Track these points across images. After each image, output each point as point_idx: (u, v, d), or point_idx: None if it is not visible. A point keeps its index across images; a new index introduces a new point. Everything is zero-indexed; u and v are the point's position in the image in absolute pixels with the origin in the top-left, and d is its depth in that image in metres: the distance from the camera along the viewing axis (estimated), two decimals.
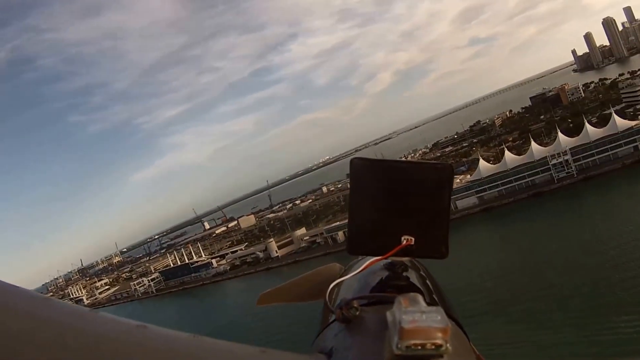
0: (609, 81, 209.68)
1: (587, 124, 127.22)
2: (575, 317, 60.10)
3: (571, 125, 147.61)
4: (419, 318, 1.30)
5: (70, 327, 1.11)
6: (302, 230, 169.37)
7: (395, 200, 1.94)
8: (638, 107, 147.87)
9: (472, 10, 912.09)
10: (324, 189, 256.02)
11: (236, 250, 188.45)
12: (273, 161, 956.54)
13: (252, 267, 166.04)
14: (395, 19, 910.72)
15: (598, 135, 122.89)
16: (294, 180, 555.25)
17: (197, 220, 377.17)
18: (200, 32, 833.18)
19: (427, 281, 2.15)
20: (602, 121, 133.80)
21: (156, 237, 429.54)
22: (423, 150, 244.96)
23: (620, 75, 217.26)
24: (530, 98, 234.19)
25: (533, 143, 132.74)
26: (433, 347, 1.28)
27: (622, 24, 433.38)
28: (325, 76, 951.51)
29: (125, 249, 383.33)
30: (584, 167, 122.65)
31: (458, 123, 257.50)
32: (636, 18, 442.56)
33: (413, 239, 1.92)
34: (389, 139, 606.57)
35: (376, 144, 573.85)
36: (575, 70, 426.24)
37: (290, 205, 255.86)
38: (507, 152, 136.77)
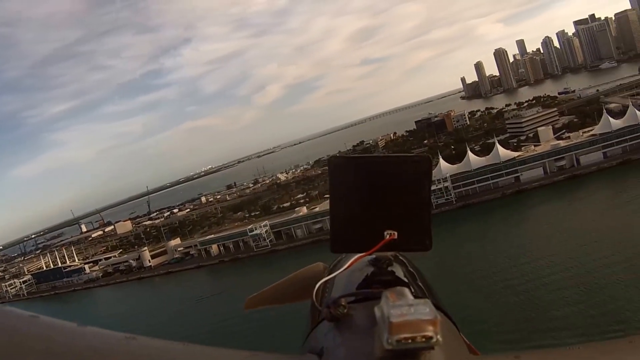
0: (495, 110, 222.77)
1: (469, 152, 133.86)
2: None
3: (454, 152, 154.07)
4: (407, 311, 1.37)
5: (59, 342, 1.18)
6: (177, 241, 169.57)
7: (375, 195, 2.02)
8: (522, 138, 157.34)
9: (367, 30, 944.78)
10: (203, 199, 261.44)
11: (110, 257, 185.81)
12: (156, 166, 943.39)
13: (125, 276, 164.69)
14: (290, 33, 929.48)
15: (480, 163, 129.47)
16: (175, 187, 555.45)
17: (75, 222, 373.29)
18: (97, 28, 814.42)
19: (413, 274, 2.27)
20: (486, 150, 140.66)
21: (33, 236, 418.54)
22: (304, 166, 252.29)
23: (507, 105, 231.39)
24: (416, 122, 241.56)
25: None
26: (423, 339, 1.35)
27: (514, 56, 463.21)
28: (216, 84, 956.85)
29: (0, 247, 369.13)
30: (463, 194, 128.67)
31: (342, 141, 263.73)
32: (528, 51, 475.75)
33: (396, 233, 2.00)
34: (273, 152, 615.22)
35: (259, 156, 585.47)
36: (463, 98, 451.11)
37: (168, 213, 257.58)
38: None
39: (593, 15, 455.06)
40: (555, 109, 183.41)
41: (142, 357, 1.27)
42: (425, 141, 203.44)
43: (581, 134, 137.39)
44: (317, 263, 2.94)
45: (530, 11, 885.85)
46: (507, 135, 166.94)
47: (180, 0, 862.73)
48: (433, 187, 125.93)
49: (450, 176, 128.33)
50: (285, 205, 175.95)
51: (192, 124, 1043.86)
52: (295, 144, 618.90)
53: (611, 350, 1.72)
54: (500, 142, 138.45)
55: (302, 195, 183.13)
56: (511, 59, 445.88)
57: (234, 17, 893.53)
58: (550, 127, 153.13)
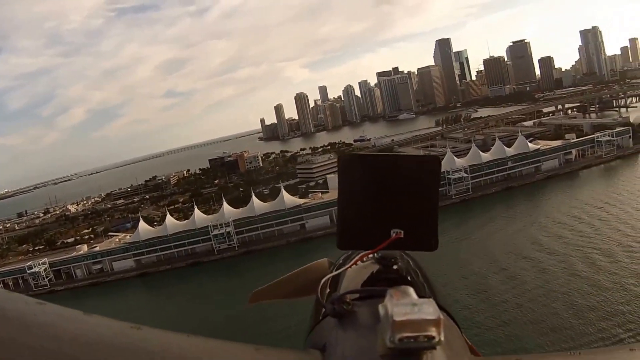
0: (289, 154, 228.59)
1: (254, 197, 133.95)
2: None
3: (242, 194, 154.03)
4: (411, 310, 1.44)
5: (65, 330, 1.24)
6: None
7: (384, 194, 2.13)
8: (311, 184, 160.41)
9: (175, 62, 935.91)
10: None
11: None
12: None
13: None
14: (101, 55, 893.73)
15: (265, 209, 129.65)
16: None
17: None
18: None
19: (418, 273, 2.38)
20: (275, 194, 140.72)
21: None
22: (96, 198, 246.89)
23: (302, 149, 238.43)
24: (210, 160, 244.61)
25: (196, 210, 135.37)
26: (426, 339, 1.41)
27: (315, 101, 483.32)
28: (20, 101, 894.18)
29: None
30: (247, 240, 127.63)
31: (137, 174, 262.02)
32: (330, 98, 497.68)
33: (402, 232, 2.11)
34: (70, 180, 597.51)
35: (55, 183, 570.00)
36: (261, 139, 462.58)
37: None
38: (168, 216, 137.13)
39: (397, 68, 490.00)
40: None
41: (146, 347, 1.31)
42: (216, 180, 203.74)
43: None
44: (323, 259, 3.02)
45: (337, 58, 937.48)
46: (298, 180, 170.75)
47: None
48: (215, 232, 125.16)
49: (234, 221, 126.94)
50: (69, 240, 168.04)
51: None
52: (92, 173, 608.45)
53: (613, 357, 1.82)
54: (290, 187, 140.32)
55: (87, 231, 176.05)
56: (312, 104, 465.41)
57: (48, 32, 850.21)
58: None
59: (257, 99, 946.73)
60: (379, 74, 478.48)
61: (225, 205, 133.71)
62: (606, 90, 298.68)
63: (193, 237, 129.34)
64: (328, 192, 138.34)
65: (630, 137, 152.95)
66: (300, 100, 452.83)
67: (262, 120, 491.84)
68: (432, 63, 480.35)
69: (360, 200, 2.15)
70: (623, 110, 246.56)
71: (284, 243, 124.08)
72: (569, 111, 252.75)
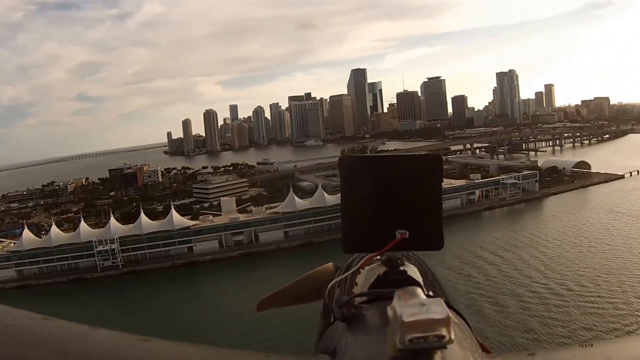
0: (190, 171, 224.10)
1: (142, 214, 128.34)
2: None
3: (134, 210, 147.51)
4: (420, 311, 1.44)
5: (73, 345, 1.26)
6: None
7: (387, 194, 2.14)
8: (205, 205, 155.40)
9: (91, 65, 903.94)
10: None
11: None
12: None
13: None
14: (17, 50, 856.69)
15: (153, 227, 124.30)
16: None
17: None
18: None
19: (425, 273, 2.37)
20: (168, 211, 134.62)
21: None
22: None
23: (203, 167, 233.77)
24: (110, 170, 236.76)
25: (83, 223, 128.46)
26: (436, 338, 1.41)
27: (224, 119, 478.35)
28: None
29: None
30: (132, 259, 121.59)
31: (39, 177, 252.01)
32: (240, 117, 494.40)
33: (407, 232, 2.13)
34: None
35: None
36: (166, 152, 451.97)
37: None
38: (54, 227, 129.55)
39: (309, 93, 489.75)
40: (245, 179, 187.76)
41: (155, 359, 1.32)
42: (113, 192, 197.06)
43: (264, 209, 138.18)
44: (329, 263, 3.03)
45: (254, 79, 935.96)
46: (193, 199, 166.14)
47: None
48: (99, 248, 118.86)
49: (120, 238, 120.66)
50: None
51: None
52: None
53: (629, 347, 1.79)
54: (184, 206, 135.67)
55: None
56: (221, 122, 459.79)
57: None
58: (234, 198, 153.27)
59: (170, 111, 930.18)
60: (291, 98, 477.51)
61: (112, 220, 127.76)
62: (517, 133, 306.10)
63: (77, 251, 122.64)
64: (221, 215, 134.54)
65: (536, 181, 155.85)
66: (209, 117, 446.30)
67: (169, 134, 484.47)
68: (346, 92, 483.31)
69: (364, 202, 2.13)
70: (532, 153, 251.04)
71: (169, 265, 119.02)
72: (478, 151, 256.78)
